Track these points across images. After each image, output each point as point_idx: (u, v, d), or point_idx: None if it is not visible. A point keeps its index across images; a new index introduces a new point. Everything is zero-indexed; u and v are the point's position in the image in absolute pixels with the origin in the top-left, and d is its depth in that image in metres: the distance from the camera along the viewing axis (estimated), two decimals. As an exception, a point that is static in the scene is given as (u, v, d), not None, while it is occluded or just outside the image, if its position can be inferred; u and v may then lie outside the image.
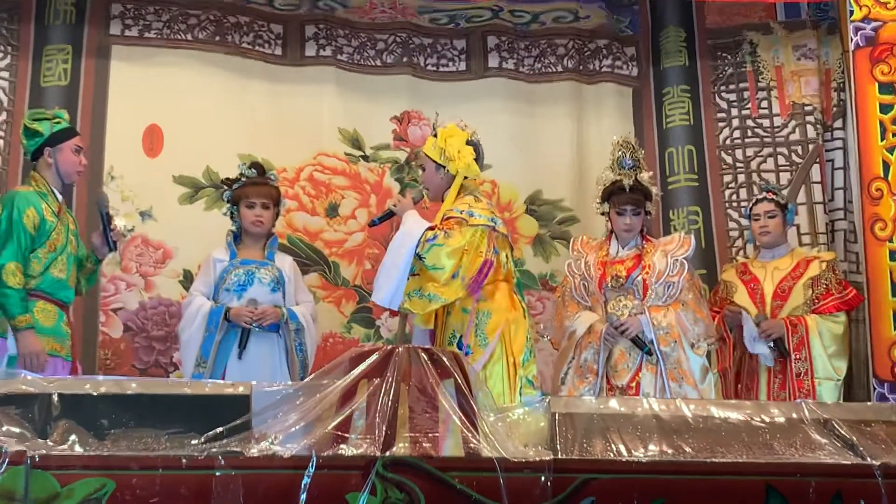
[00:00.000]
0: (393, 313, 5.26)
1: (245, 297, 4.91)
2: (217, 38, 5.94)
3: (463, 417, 3.15)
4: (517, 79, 6.27)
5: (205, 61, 5.90)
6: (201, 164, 5.79)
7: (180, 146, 5.80)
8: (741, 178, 6.08)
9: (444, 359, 3.26)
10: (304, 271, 5.49)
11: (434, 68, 6.26)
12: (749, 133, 6.12)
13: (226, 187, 5.14)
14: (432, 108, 5.30)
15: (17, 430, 3.03)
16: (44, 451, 2.93)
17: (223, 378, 4.70)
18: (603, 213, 5.17)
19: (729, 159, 6.12)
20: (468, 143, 4.73)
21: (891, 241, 5.06)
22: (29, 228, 4.46)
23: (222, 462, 2.92)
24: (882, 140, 5.14)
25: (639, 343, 4.86)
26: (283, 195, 5.28)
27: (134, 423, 3.14)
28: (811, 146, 5.99)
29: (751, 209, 5.40)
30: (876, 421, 3.54)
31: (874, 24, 5.22)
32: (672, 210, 6.08)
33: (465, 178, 4.73)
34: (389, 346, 3.29)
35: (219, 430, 3.10)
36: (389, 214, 4.83)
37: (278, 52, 6.09)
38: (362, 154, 6.08)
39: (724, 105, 6.18)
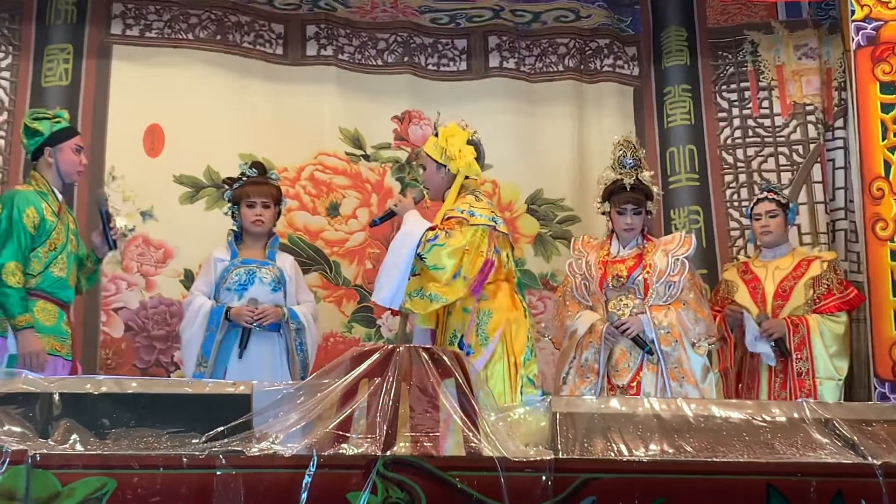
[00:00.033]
0: (394, 313, 5.25)
1: (246, 296, 4.91)
2: (218, 37, 5.94)
3: (464, 417, 3.15)
4: (518, 78, 6.27)
5: (206, 61, 5.90)
6: (202, 164, 5.79)
7: (181, 146, 5.80)
8: (742, 177, 6.08)
9: (445, 358, 3.26)
10: (304, 271, 5.49)
11: (435, 68, 6.26)
12: (750, 132, 6.11)
13: (226, 187, 5.14)
14: (433, 107, 5.31)
15: (18, 429, 3.04)
16: (45, 451, 2.93)
17: (224, 377, 4.70)
18: (604, 213, 5.16)
19: (730, 159, 6.11)
20: (469, 142, 4.72)
21: (892, 240, 5.05)
22: (29, 228, 4.46)
23: (223, 461, 2.92)
24: (883, 140, 5.13)
25: (640, 342, 4.86)
26: (284, 194, 5.27)
27: (135, 423, 3.15)
28: (812, 146, 5.99)
29: (752, 209, 5.40)
30: (877, 420, 3.54)
31: (875, 23, 5.21)
32: (673, 209, 6.08)
33: (466, 177, 4.72)
34: (390, 346, 3.29)
35: (220, 429, 3.10)
36: (390, 214, 4.82)
37: (279, 51, 6.09)
38: (363, 153, 6.08)
39: (725, 104, 6.17)
